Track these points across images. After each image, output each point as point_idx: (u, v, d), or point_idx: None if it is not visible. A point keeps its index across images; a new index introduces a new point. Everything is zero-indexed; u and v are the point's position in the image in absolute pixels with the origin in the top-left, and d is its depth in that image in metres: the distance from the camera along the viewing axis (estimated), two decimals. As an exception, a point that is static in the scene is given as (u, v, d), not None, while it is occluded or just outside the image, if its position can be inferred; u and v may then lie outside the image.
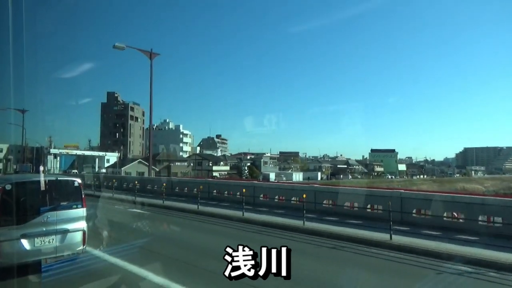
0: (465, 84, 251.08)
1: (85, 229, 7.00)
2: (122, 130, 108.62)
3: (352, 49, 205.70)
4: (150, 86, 23.68)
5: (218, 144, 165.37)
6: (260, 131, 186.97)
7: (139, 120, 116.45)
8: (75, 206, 6.91)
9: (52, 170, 73.36)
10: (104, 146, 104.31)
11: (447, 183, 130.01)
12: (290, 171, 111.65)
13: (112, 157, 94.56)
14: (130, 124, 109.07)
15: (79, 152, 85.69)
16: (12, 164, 59.26)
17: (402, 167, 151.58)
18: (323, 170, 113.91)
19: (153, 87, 23.34)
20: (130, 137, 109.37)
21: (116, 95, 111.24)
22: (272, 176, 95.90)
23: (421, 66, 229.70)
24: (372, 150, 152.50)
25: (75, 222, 6.85)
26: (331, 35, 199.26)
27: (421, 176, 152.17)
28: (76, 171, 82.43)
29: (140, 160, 71.90)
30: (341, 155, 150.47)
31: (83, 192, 7.13)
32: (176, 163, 79.07)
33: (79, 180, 7.19)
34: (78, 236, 6.84)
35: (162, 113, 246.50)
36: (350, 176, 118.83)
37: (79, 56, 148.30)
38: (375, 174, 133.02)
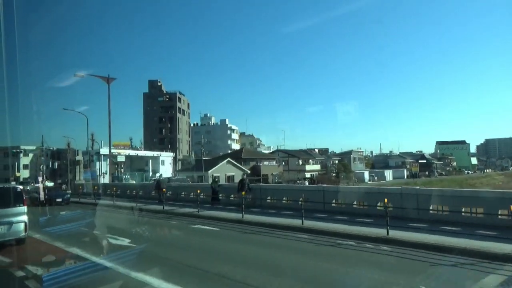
0: (483, 75, 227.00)
1: (26, 221, 9.45)
2: (169, 125, 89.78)
3: (354, 43, 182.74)
4: None
5: (258, 142, 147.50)
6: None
7: (185, 113, 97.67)
8: (18, 205, 9.43)
9: (101, 178, 53.74)
10: (149, 144, 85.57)
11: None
12: (359, 164, 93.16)
13: (166, 158, 76.01)
14: (178, 117, 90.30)
15: (132, 153, 67.04)
16: (81, 169, 41.40)
17: (473, 160, 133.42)
18: (407, 166, 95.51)
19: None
20: (178, 133, 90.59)
21: (159, 83, 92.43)
22: (366, 176, 77.71)
23: (426, 57, 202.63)
24: (439, 142, 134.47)
25: (18, 216, 9.36)
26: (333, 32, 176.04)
27: (487, 171, 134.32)
28: (127, 176, 64.11)
29: (229, 159, 53.21)
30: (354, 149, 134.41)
31: (24, 195, 9.83)
32: (265, 162, 60.40)
33: (20, 187, 10.40)
34: (21, 226, 9.34)
35: (201, 107, 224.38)
36: (436, 173, 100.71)
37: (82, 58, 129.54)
38: (454, 169, 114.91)
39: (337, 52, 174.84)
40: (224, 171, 52.35)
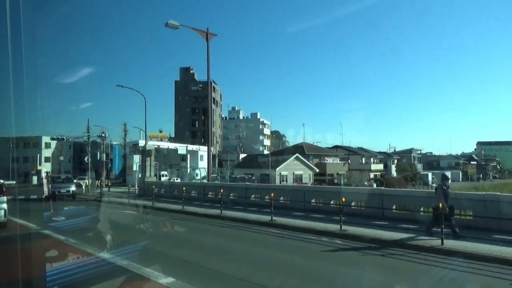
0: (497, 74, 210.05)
1: (5, 208, 11.97)
2: (203, 117, 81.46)
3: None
4: None
5: (283, 138, 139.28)
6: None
7: (218, 104, 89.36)
8: None
9: (145, 174, 45.17)
10: (181, 137, 77.44)
11: None
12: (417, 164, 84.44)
13: (204, 153, 67.75)
14: (212, 109, 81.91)
15: (171, 146, 59.05)
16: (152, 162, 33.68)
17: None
18: (462, 168, 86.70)
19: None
20: (212, 126, 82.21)
21: (191, 71, 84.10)
22: (429, 178, 69.20)
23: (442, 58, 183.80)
24: (480, 143, 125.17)
25: None
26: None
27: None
28: (165, 172, 56.20)
29: (297, 155, 44.74)
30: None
31: (4, 187, 12.39)
32: (328, 160, 51.87)
33: (1, 180, 12.65)
34: (1, 212, 11.89)
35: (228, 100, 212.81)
36: (491, 176, 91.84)
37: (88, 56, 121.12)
38: (503, 171, 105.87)
39: (347, 49, 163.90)
40: (293, 169, 43.99)
